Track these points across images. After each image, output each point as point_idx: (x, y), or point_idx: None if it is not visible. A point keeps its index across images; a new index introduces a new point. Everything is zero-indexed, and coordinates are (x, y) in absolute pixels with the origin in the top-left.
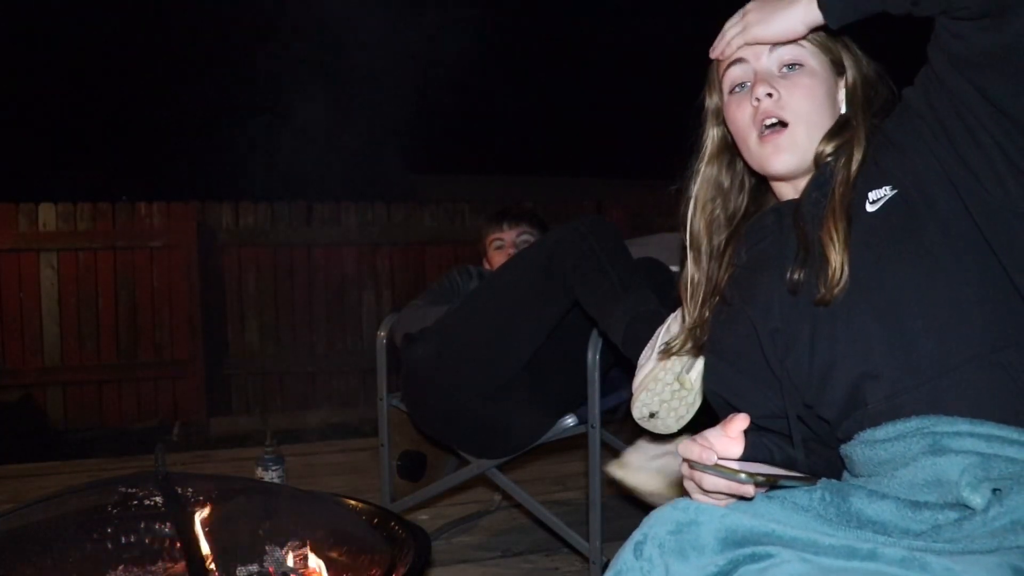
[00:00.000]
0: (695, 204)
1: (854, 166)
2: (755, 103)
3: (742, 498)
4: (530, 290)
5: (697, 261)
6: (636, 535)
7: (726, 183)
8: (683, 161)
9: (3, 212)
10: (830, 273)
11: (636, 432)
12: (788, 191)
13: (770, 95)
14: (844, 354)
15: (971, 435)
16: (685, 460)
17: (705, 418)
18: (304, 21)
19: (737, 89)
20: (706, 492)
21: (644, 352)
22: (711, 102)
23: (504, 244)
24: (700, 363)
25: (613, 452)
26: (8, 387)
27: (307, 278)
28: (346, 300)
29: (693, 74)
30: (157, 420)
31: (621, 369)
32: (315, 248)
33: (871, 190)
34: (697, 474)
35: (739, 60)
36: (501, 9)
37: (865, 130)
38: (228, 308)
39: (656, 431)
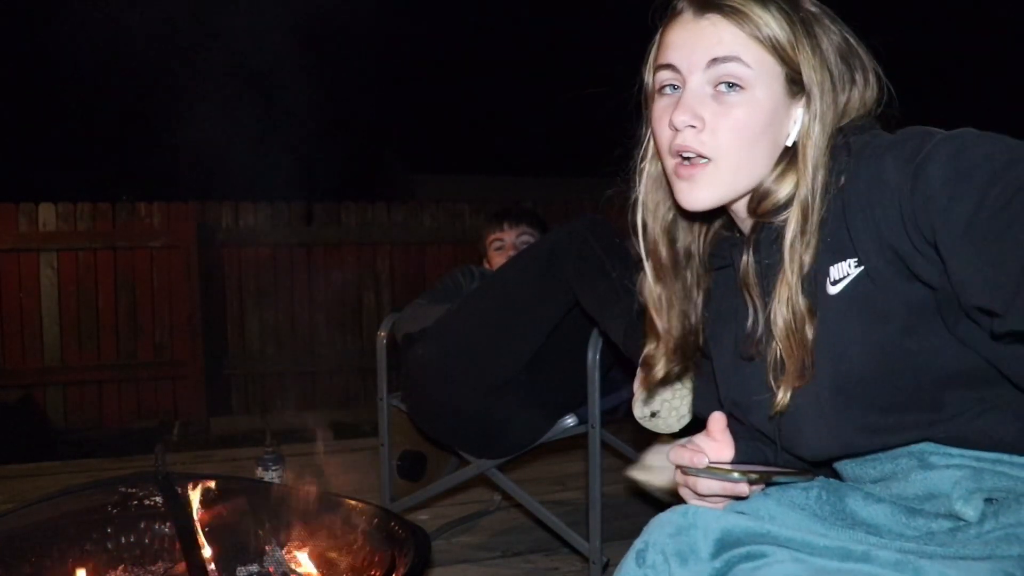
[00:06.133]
0: (644, 207)
1: (808, 232)
2: (673, 130)
3: (739, 499)
4: (530, 290)
5: (660, 273)
6: (638, 543)
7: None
8: (623, 152)
9: (3, 212)
10: (784, 391)
11: (637, 432)
12: (730, 212)
13: (692, 126)
14: (813, 426)
15: (960, 455)
16: (678, 466)
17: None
18: (302, 21)
19: (667, 91)
20: (702, 496)
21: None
22: (647, 83)
23: (504, 245)
24: None
25: (613, 452)
26: (8, 387)
27: (307, 278)
28: (346, 300)
29: None
30: (157, 420)
31: (621, 369)
32: (315, 248)
33: (833, 263)
34: (691, 479)
35: (669, 66)
36: (501, 9)
37: (822, 174)
38: (228, 308)
39: (657, 430)
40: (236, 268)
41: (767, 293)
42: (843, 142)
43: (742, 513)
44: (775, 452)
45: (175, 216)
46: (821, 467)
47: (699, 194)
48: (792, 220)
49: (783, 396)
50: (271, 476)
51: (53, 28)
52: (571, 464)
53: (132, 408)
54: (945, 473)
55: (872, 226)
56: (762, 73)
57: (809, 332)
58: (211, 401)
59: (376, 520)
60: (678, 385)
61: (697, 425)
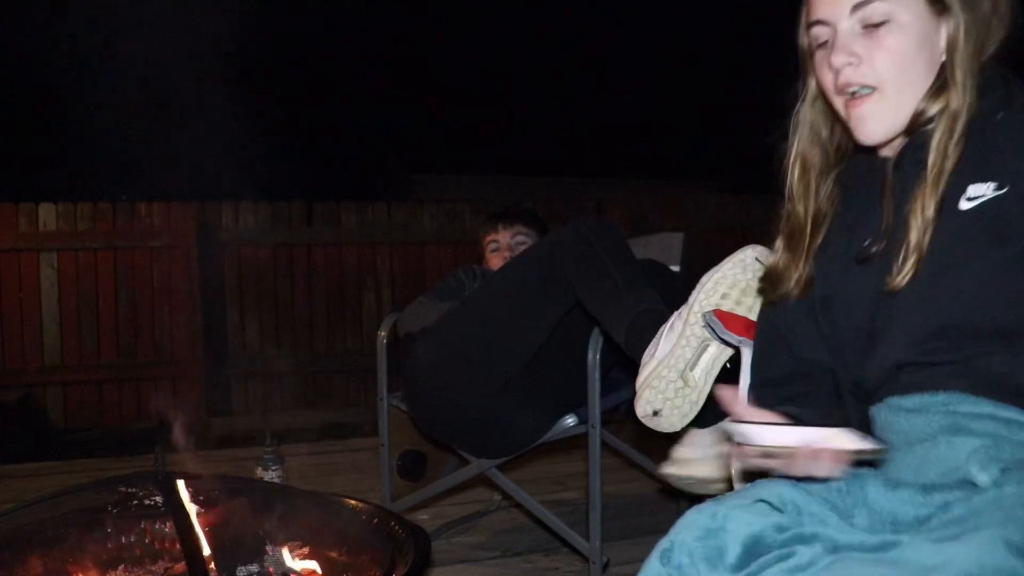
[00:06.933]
0: (801, 141)
1: (954, 137)
2: (834, 71)
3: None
4: (531, 290)
5: (802, 198)
6: (663, 543)
7: (825, 132)
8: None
9: (3, 212)
10: (909, 264)
11: (637, 432)
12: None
13: (849, 63)
14: (894, 341)
15: (992, 418)
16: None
17: (709, 415)
18: (302, 21)
19: (822, 42)
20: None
21: (647, 350)
22: (803, 43)
23: (500, 246)
24: (704, 361)
25: (613, 452)
26: (8, 387)
27: (307, 278)
28: (346, 300)
29: (693, 75)
30: (157, 420)
31: (621, 369)
32: (315, 248)
33: (973, 182)
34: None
35: (819, 22)
36: (501, 10)
37: (971, 85)
38: (228, 308)
39: (660, 429)
40: (236, 268)
41: (903, 200)
42: (999, 74)
43: (768, 504)
44: (843, 367)
45: (175, 216)
46: (868, 398)
47: (868, 129)
48: (940, 127)
49: (904, 274)
50: (271, 476)
51: (53, 28)
52: (571, 464)
53: (132, 408)
54: (968, 440)
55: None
56: (903, 1)
57: (937, 224)
58: (211, 401)
59: (376, 520)
60: (680, 384)
61: (699, 424)
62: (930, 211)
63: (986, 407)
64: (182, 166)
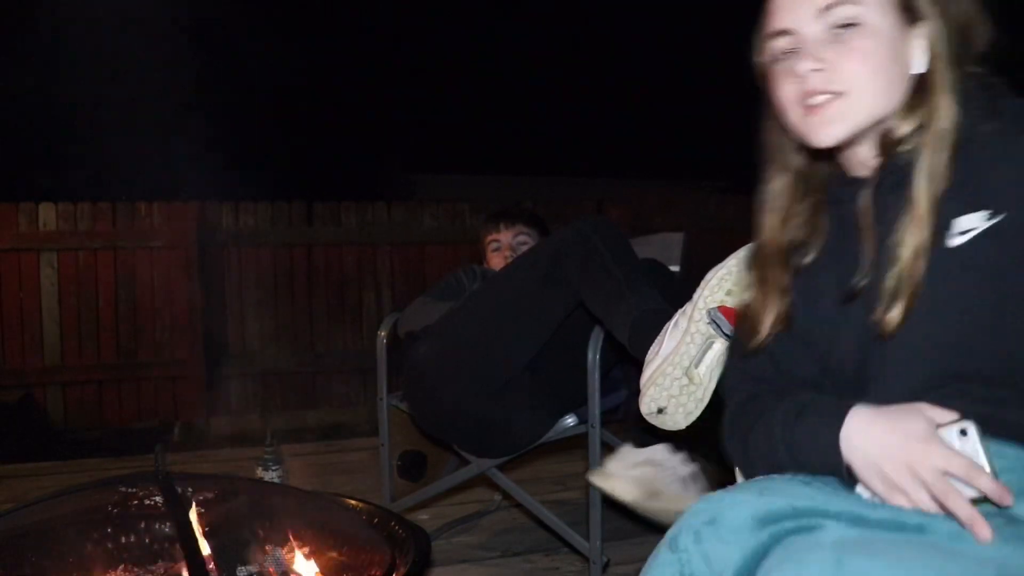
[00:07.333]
0: (769, 185)
1: (943, 159)
2: (799, 80)
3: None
4: (533, 290)
5: (777, 230)
6: (670, 532)
7: (796, 159)
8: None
9: (3, 212)
10: (899, 305)
11: (638, 431)
12: (848, 159)
13: (817, 69)
14: (889, 388)
15: (1016, 458)
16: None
17: (714, 414)
18: (302, 21)
19: (783, 54)
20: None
21: (651, 349)
22: (760, 61)
23: (501, 246)
24: (709, 357)
25: (613, 452)
26: (8, 387)
27: (307, 278)
28: (346, 300)
29: (694, 74)
30: (157, 420)
31: (622, 369)
32: (315, 248)
33: (962, 214)
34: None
35: (781, 32)
36: (502, 10)
37: (952, 94)
38: (228, 308)
39: (664, 427)
40: (236, 268)
41: (887, 230)
42: (978, 80)
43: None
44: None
45: (175, 216)
46: None
47: (831, 128)
48: (925, 148)
49: (893, 315)
50: (271, 476)
51: (54, 28)
52: (571, 464)
53: (132, 408)
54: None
55: (1020, 178)
56: (873, 5)
57: (922, 267)
58: (211, 401)
59: (376, 520)
60: (685, 381)
61: (700, 424)
62: (921, 244)
63: (1008, 448)
64: (182, 166)
